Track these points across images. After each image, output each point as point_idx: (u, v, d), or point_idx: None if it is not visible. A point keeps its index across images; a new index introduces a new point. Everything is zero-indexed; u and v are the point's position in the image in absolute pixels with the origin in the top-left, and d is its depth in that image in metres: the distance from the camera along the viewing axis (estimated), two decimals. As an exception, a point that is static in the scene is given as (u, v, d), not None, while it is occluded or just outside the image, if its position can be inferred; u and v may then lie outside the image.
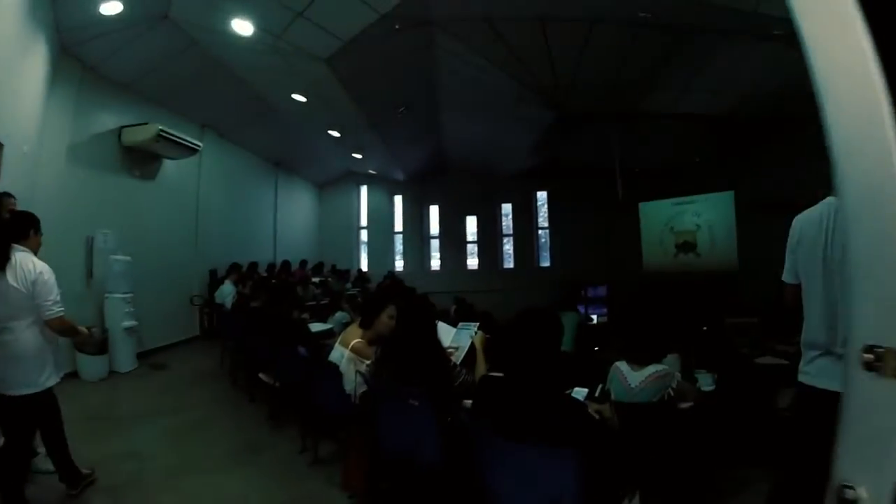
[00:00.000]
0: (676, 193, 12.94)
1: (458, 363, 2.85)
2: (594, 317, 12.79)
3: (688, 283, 12.12)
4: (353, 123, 9.66)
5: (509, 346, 1.89)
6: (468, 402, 2.54)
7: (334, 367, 3.17)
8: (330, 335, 5.27)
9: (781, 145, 9.99)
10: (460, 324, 3.32)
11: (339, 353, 3.30)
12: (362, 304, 5.26)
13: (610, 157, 10.64)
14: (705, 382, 3.64)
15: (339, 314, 6.33)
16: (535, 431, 1.69)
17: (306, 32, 6.03)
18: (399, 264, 15.47)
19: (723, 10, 5.33)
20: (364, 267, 14.84)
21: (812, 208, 2.12)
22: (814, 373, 2.00)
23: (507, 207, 15.62)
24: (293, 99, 8.58)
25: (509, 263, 15.58)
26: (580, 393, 2.37)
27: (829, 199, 2.06)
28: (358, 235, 15.50)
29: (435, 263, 15.64)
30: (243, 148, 10.59)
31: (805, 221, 2.13)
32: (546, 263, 15.36)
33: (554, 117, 9.34)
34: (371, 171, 14.73)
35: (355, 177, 15.13)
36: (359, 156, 12.87)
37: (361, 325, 3.38)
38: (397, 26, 6.13)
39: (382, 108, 9.06)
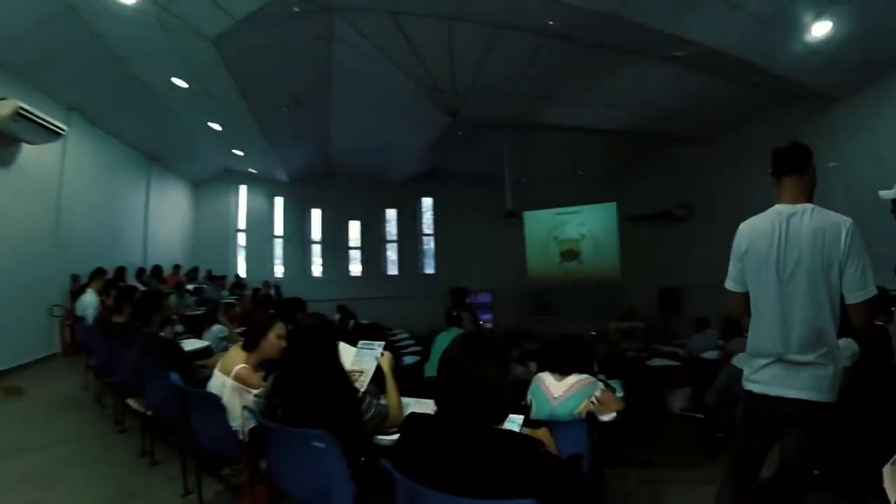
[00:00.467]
0: (562, 203, 13.52)
1: (364, 390, 2.47)
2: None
3: (572, 290, 12.70)
4: (236, 116, 8.93)
5: (450, 379, 1.56)
6: (383, 437, 2.28)
7: (215, 400, 2.63)
8: (207, 354, 4.60)
9: (660, 160, 10.82)
10: (361, 342, 2.91)
11: (220, 382, 2.75)
12: (244, 321, 4.64)
13: (499, 165, 10.82)
14: (616, 389, 3.65)
15: (216, 328, 5.66)
16: (487, 480, 1.39)
17: (196, 5, 5.39)
18: (279, 270, 14.74)
19: (632, 24, 5.47)
20: (242, 273, 13.84)
21: (759, 217, 2.09)
22: (765, 381, 2.00)
23: (391, 213, 15.59)
24: (173, 84, 7.70)
25: (393, 270, 15.54)
26: (514, 421, 2.11)
27: (777, 207, 2.04)
28: (235, 239, 14.46)
29: (316, 269, 15.16)
30: (115, 137, 9.43)
31: (753, 230, 2.09)
32: (430, 270, 15.52)
33: (447, 123, 9.27)
34: (252, 171, 13.85)
35: (235, 176, 14.11)
36: (240, 153, 12.01)
37: (245, 348, 2.86)
38: (297, 8, 5.71)
39: (270, 100, 8.47)
